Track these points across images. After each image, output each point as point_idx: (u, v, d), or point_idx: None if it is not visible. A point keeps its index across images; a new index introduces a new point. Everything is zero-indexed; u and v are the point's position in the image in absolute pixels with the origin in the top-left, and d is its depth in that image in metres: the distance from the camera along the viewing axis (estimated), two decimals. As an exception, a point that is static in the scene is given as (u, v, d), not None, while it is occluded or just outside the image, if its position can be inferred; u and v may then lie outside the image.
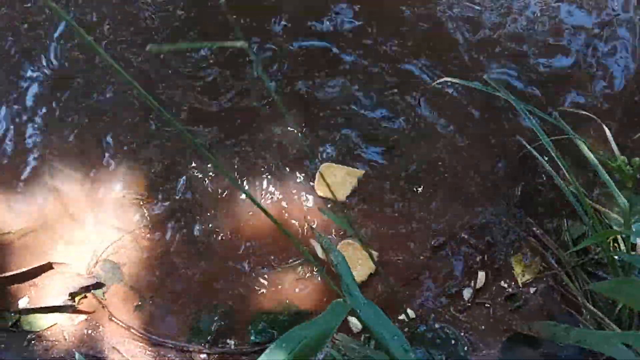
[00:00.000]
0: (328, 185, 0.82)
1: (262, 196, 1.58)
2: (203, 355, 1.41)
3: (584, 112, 1.44)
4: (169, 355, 1.41)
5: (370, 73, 1.73)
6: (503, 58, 1.73)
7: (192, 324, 1.45)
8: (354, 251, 1.46)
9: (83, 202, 1.58)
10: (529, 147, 1.47)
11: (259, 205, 0.67)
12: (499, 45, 1.75)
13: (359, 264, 1.45)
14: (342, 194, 1.55)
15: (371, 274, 1.46)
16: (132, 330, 1.44)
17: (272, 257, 1.51)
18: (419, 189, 1.57)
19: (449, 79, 1.34)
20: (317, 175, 1.57)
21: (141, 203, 1.58)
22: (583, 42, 1.74)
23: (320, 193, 1.56)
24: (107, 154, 1.65)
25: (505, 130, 1.63)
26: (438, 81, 1.50)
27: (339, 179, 1.56)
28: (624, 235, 1.42)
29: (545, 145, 1.36)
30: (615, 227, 1.44)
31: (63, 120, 1.71)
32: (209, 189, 1.59)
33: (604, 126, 1.33)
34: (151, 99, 0.58)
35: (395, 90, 1.70)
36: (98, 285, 1.47)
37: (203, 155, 0.61)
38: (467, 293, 1.46)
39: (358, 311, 1.12)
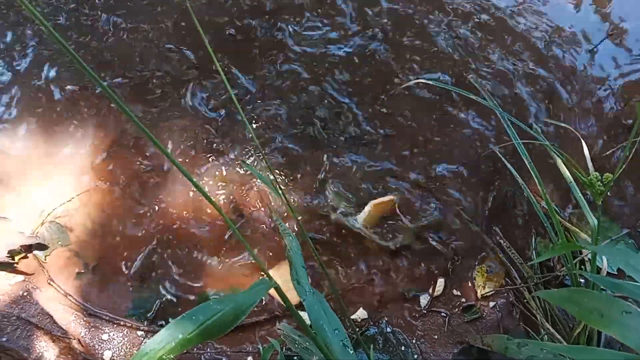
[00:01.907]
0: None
1: (224, 175, 1.51)
2: (140, 332, 1.34)
3: (565, 125, 1.38)
4: (105, 328, 1.34)
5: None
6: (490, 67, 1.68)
7: (133, 299, 1.38)
8: None
9: (36, 159, 1.52)
10: (502, 156, 1.42)
11: (192, 181, 0.61)
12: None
13: None
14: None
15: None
16: (69, 297, 1.36)
17: (226, 238, 1.44)
18: (385, 184, 1.51)
19: (422, 80, 1.27)
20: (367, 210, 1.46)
21: (97, 167, 1.51)
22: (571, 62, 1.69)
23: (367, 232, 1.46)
24: (64, 115, 1.58)
25: (484, 138, 1.58)
26: (412, 82, 1.44)
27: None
28: (589, 257, 1.36)
29: (521, 156, 1.30)
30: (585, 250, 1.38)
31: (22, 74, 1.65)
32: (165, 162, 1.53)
33: (582, 140, 1.27)
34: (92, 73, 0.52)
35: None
36: (41, 247, 1.40)
37: (145, 133, 0.55)
38: (424, 299, 1.40)
39: (302, 299, 1.08)
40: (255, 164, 1.52)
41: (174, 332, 0.70)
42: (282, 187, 1.48)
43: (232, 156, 1.53)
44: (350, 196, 1.49)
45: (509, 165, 1.41)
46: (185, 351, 1.30)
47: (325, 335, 1.02)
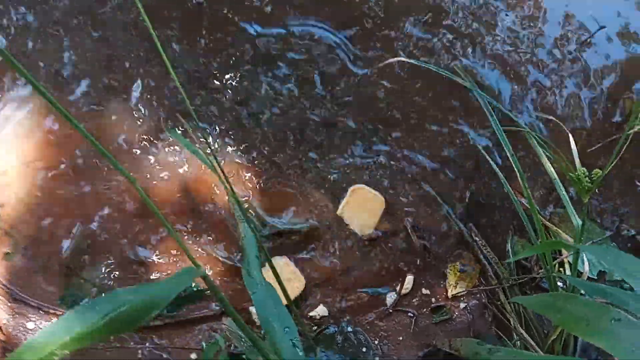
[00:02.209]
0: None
1: (177, 154, 1.36)
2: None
3: (552, 118, 1.28)
4: (31, 316, 1.19)
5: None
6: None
7: (66, 286, 1.23)
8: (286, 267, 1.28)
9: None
10: (480, 148, 1.31)
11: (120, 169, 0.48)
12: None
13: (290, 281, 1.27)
14: (370, 225, 1.33)
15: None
16: (-7, 279, 1.21)
17: (184, 225, 1.30)
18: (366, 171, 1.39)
19: (403, 58, 1.16)
20: (345, 199, 1.33)
21: (39, 141, 1.35)
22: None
23: (346, 220, 1.33)
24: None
25: (465, 131, 1.46)
26: (390, 60, 1.32)
27: (369, 206, 1.33)
28: (569, 260, 1.26)
29: (505, 152, 1.19)
30: (564, 251, 1.28)
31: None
32: (121, 136, 1.38)
33: (569, 134, 1.17)
34: None
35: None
36: (-35, 222, 1.24)
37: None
38: (390, 298, 1.28)
39: (251, 293, 0.95)
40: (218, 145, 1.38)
41: (71, 324, 0.56)
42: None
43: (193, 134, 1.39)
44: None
45: (487, 157, 1.30)
46: (120, 345, 1.17)
47: (274, 333, 0.90)
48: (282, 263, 1.27)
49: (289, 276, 1.26)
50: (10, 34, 1.42)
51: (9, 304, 1.20)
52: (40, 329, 1.18)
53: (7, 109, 1.37)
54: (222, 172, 0.68)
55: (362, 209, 1.32)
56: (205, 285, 0.77)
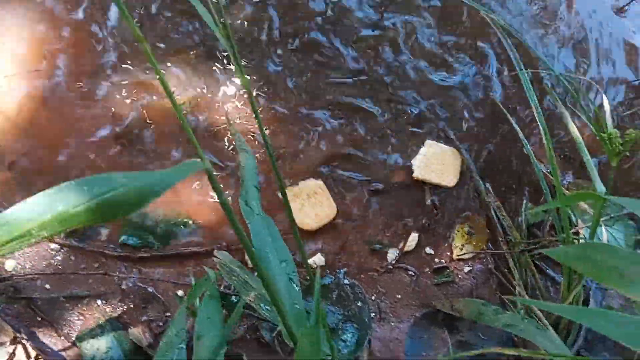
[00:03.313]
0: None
1: (182, 83, 1.28)
2: (54, 245, 1.12)
3: (583, 78, 1.20)
4: (11, 233, 1.12)
5: None
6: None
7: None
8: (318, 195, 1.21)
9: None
10: (500, 105, 1.23)
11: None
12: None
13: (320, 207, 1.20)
14: (451, 178, 1.27)
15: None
16: (-26, 192, 1.13)
17: (175, 154, 1.23)
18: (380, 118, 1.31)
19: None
20: (420, 157, 1.27)
21: (42, 50, 1.26)
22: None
23: (421, 177, 1.26)
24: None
25: (488, 83, 1.38)
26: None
27: (447, 161, 1.27)
28: (586, 235, 1.20)
29: (527, 112, 1.12)
30: (580, 222, 1.22)
31: None
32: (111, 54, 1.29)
33: (603, 95, 1.10)
34: None
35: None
36: (-54, 128, 1.16)
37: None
38: (392, 254, 1.22)
39: (247, 222, 0.88)
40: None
41: (53, 202, 0.49)
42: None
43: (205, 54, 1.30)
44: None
45: (505, 111, 1.23)
46: (104, 272, 1.10)
47: (270, 265, 0.83)
48: (315, 185, 1.21)
49: (321, 200, 1.19)
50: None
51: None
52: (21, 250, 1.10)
53: None
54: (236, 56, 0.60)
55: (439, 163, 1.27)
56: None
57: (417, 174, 1.25)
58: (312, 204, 1.20)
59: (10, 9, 1.29)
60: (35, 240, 0.48)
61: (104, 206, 0.50)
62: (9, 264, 1.10)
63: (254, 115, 0.93)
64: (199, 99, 1.26)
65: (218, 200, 0.58)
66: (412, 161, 1.26)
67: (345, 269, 1.19)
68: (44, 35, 1.27)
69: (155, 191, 0.52)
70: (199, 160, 0.55)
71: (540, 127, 1.09)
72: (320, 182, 1.22)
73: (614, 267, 0.65)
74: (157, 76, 0.51)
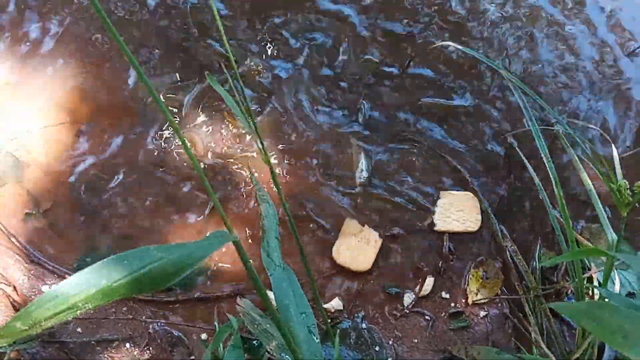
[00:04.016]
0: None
1: (208, 137, 1.35)
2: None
3: (592, 127, 1.24)
4: (46, 279, 1.19)
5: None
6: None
7: (82, 251, 1.22)
8: (362, 238, 1.27)
9: (6, 85, 1.35)
10: (516, 147, 1.27)
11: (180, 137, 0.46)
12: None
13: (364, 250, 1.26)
14: (366, 262, 1.27)
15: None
16: (13, 238, 1.21)
17: (199, 200, 1.29)
18: (393, 163, 1.36)
19: (450, 43, 1.13)
20: (439, 209, 1.32)
21: (69, 104, 1.35)
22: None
23: (444, 228, 1.30)
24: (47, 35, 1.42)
25: (503, 127, 1.42)
26: (440, 43, 1.29)
27: (363, 243, 1.28)
28: (598, 278, 1.22)
29: (539, 156, 1.16)
30: (594, 266, 1.23)
31: None
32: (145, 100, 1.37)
33: (612, 145, 1.13)
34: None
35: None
36: (-10, 179, 1.24)
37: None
38: (408, 298, 1.25)
39: (269, 273, 0.93)
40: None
41: (97, 277, 0.54)
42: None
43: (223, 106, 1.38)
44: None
45: (523, 158, 1.26)
46: (132, 317, 1.16)
47: (290, 317, 0.87)
48: (373, 235, 1.28)
49: (366, 237, 1.27)
50: None
51: (26, 265, 1.19)
52: (54, 293, 1.17)
53: (30, 69, 1.38)
54: (259, 135, 0.66)
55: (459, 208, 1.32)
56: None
57: (440, 226, 1.29)
58: (360, 247, 1.26)
59: (49, 64, 1.39)
60: (81, 312, 0.54)
61: (142, 280, 0.55)
62: (44, 308, 1.16)
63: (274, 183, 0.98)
64: (221, 149, 1.33)
65: (247, 271, 0.63)
66: (433, 216, 1.30)
67: (363, 313, 1.23)
68: (77, 91, 1.36)
69: (189, 264, 0.57)
70: (226, 231, 0.61)
71: (552, 179, 1.12)
72: (377, 237, 1.28)
73: (619, 327, 0.68)
74: (182, 144, 0.56)
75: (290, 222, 0.80)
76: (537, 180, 1.22)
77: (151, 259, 0.56)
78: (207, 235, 0.61)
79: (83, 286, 0.54)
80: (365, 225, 1.27)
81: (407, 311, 1.24)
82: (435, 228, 1.29)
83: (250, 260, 0.63)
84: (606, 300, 1.02)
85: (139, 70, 0.50)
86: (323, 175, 1.33)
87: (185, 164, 1.31)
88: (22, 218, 1.23)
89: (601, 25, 1.57)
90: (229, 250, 1.24)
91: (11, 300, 1.14)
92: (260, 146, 0.63)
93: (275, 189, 0.72)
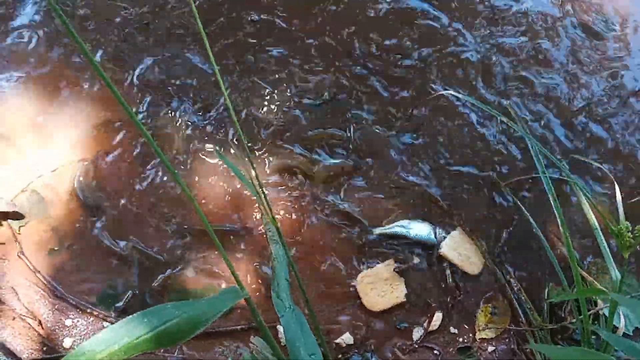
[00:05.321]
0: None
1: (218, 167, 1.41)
2: (106, 323, 1.24)
3: (597, 164, 1.26)
4: (69, 313, 1.24)
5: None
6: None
7: (104, 286, 1.27)
8: (386, 278, 1.31)
9: (30, 125, 1.43)
10: (511, 195, 1.30)
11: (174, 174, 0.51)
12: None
13: (386, 290, 1.30)
14: (474, 267, 1.34)
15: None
16: (38, 274, 1.27)
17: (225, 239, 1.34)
18: (395, 202, 1.40)
19: (451, 92, 1.17)
20: (449, 238, 1.36)
21: (91, 142, 1.42)
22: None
23: (447, 254, 1.34)
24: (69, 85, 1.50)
25: (508, 167, 1.46)
26: (440, 92, 1.34)
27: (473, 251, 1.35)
28: (605, 313, 1.23)
29: (541, 190, 1.19)
30: (600, 302, 1.25)
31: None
32: (175, 143, 1.43)
33: (615, 184, 1.16)
34: None
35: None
36: (17, 216, 1.31)
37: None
38: (417, 333, 1.28)
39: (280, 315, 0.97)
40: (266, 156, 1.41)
41: (119, 334, 0.59)
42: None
43: (233, 151, 1.44)
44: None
45: (519, 204, 1.30)
46: (151, 352, 1.20)
47: (299, 358, 0.91)
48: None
49: (392, 283, 1.30)
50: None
51: (50, 300, 1.25)
52: (77, 327, 1.22)
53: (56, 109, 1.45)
54: (264, 195, 0.70)
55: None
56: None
57: (445, 251, 1.32)
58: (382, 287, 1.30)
59: (72, 103, 1.46)
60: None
61: (161, 336, 0.60)
62: (67, 342, 1.21)
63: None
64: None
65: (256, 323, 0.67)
66: (442, 243, 1.33)
67: (372, 347, 1.26)
68: (100, 128, 1.43)
69: (203, 320, 0.61)
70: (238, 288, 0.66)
71: (558, 220, 1.15)
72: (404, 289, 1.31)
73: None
74: (191, 199, 0.62)
75: (295, 275, 0.84)
76: (532, 221, 1.26)
77: (168, 316, 0.61)
78: (220, 291, 0.65)
79: (108, 343, 0.58)
80: (396, 274, 1.31)
81: (417, 346, 1.26)
82: (440, 251, 1.32)
83: (261, 318, 0.67)
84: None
85: (151, 140, 0.55)
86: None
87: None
88: (47, 253, 1.30)
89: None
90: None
91: (37, 333, 1.20)
92: (268, 213, 0.68)
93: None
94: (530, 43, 1.62)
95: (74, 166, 1.38)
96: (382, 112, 1.50)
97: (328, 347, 1.24)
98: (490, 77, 1.56)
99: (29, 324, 1.21)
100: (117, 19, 1.60)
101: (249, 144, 1.43)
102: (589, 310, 1.24)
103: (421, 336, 1.27)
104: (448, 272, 1.32)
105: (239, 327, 1.25)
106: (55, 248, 1.30)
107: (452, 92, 1.11)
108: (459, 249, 1.34)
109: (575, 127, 1.50)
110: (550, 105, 1.53)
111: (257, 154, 1.43)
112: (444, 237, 1.34)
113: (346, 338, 1.26)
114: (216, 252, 1.31)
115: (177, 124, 1.46)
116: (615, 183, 1.19)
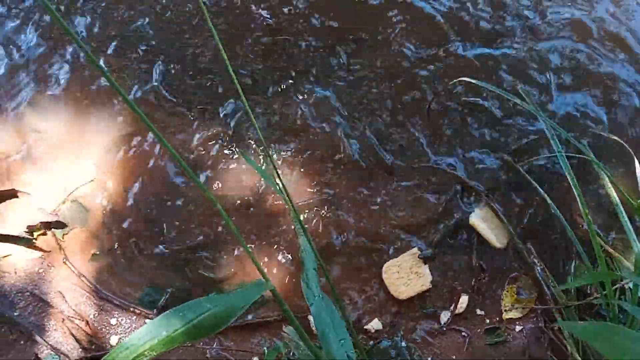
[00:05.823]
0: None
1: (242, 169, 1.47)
2: (148, 320, 1.32)
3: (615, 138, 1.26)
4: (114, 312, 1.32)
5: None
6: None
7: (145, 286, 1.35)
8: (411, 266, 1.35)
9: (66, 139, 1.51)
10: (526, 174, 1.31)
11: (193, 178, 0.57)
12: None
13: (412, 278, 1.34)
14: (500, 240, 1.37)
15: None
16: (82, 278, 1.35)
17: (252, 235, 1.40)
18: (425, 191, 1.43)
19: (465, 78, 1.19)
20: (479, 210, 1.40)
21: (124, 151, 1.50)
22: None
23: (476, 224, 1.37)
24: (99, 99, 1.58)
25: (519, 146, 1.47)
26: (454, 81, 1.36)
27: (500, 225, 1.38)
28: (630, 286, 1.24)
29: (561, 169, 1.20)
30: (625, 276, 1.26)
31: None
32: (209, 151, 1.49)
33: (635, 159, 1.16)
34: None
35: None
36: (59, 225, 1.40)
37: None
38: (444, 316, 1.31)
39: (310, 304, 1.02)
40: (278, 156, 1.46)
41: (158, 329, 0.65)
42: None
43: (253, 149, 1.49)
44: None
45: (535, 184, 1.31)
46: (189, 344, 1.28)
47: (330, 345, 0.96)
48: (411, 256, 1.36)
49: (417, 271, 1.33)
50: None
51: (95, 302, 1.33)
52: (122, 325, 1.31)
53: (93, 124, 1.53)
54: (287, 193, 0.75)
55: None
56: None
57: (474, 220, 1.35)
58: (408, 275, 1.34)
59: (106, 119, 1.54)
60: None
61: (196, 329, 0.66)
62: (113, 339, 1.30)
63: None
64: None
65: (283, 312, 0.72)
66: (472, 214, 1.37)
67: (401, 332, 1.30)
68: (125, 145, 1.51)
69: (234, 312, 0.67)
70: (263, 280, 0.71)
71: (579, 202, 1.17)
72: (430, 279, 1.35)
73: (628, 349, 0.73)
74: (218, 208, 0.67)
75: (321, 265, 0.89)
76: (548, 199, 1.27)
77: (202, 310, 0.66)
78: (247, 284, 0.71)
79: (148, 337, 0.64)
80: (420, 261, 1.35)
81: (444, 329, 1.30)
82: (470, 220, 1.36)
83: (287, 306, 0.72)
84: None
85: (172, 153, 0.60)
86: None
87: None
88: (90, 258, 1.38)
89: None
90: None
91: (85, 333, 1.29)
92: (291, 207, 0.73)
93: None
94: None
95: (109, 176, 1.46)
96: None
97: (357, 334, 1.29)
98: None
99: (77, 324, 1.30)
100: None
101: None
102: (613, 285, 1.25)
103: (448, 319, 1.30)
104: (475, 254, 1.34)
105: (273, 318, 1.31)
106: (97, 253, 1.39)
107: (467, 79, 1.13)
108: (487, 221, 1.36)
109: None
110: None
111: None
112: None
113: (375, 324, 1.30)
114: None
115: (201, 131, 1.52)
116: (635, 158, 1.19)
